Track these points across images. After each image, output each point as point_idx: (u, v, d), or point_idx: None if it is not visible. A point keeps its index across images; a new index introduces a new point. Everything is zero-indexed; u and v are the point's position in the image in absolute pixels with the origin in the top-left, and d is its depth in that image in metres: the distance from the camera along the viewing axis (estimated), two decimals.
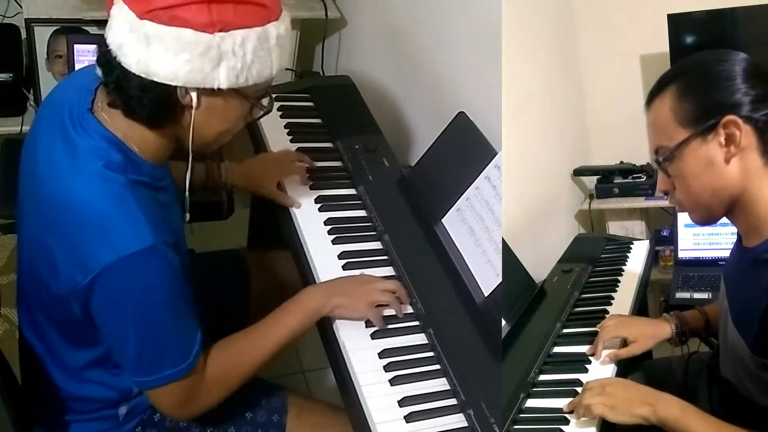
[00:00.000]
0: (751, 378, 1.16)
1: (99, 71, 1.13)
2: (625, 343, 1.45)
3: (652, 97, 1.17)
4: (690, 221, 1.22)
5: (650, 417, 1.15)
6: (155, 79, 1.07)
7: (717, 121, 1.09)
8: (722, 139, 1.09)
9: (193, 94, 1.10)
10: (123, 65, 1.07)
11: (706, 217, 1.18)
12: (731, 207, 1.14)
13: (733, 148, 1.09)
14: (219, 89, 1.09)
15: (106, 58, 1.09)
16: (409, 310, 1.44)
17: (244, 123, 1.23)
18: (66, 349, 1.25)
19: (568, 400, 1.31)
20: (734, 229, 1.22)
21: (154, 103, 1.10)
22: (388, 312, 1.39)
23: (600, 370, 1.43)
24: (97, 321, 1.14)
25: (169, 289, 1.13)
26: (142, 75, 1.07)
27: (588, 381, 1.28)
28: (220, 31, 1.05)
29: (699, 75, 1.13)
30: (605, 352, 1.45)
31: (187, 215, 1.30)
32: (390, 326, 1.39)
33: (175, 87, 1.08)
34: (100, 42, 1.11)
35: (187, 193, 1.31)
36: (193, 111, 1.12)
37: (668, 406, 1.15)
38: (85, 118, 1.14)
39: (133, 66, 1.06)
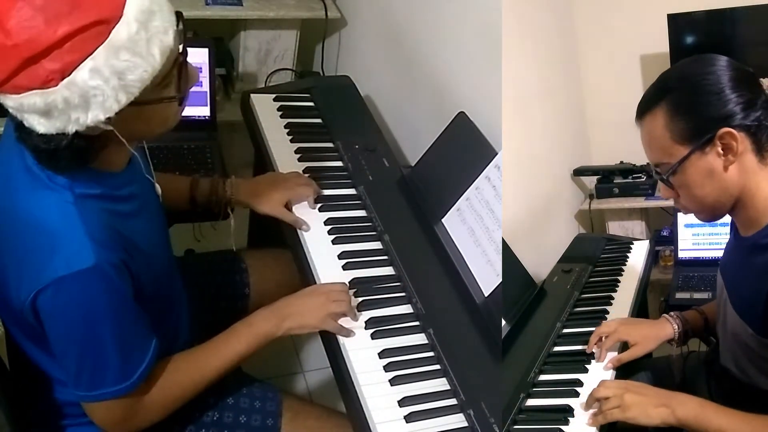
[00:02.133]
0: (755, 362, 1.18)
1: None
2: (625, 345, 1.45)
3: (642, 113, 1.21)
4: (690, 221, 1.25)
5: (668, 418, 1.17)
6: (57, 133, 1.01)
7: (713, 135, 1.13)
8: (720, 149, 1.14)
9: (100, 125, 1.02)
10: (24, 127, 1.02)
11: (711, 217, 1.23)
12: (733, 206, 1.19)
13: (731, 156, 1.13)
14: (115, 113, 1.01)
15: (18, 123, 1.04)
16: (409, 310, 1.44)
17: (181, 104, 1.15)
18: (45, 358, 1.24)
19: (568, 400, 1.31)
20: None
21: (68, 152, 1.04)
22: (344, 319, 1.37)
23: (600, 370, 1.43)
24: (46, 334, 1.13)
25: (111, 311, 1.11)
26: (42, 133, 1.01)
27: (604, 387, 1.26)
28: (63, 78, 0.96)
29: (686, 91, 1.16)
30: (611, 358, 1.45)
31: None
32: (390, 326, 1.39)
33: (70, 134, 1.02)
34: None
35: (160, 196, 1.29)
36: (115, 131, 1.05)
37: (686, 406, 1.17)
38: None
39: (28, 127, 1.01)
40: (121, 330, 1.14)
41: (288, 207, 1.60)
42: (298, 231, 1.56)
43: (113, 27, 0.97)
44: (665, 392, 1.22)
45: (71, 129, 1.01)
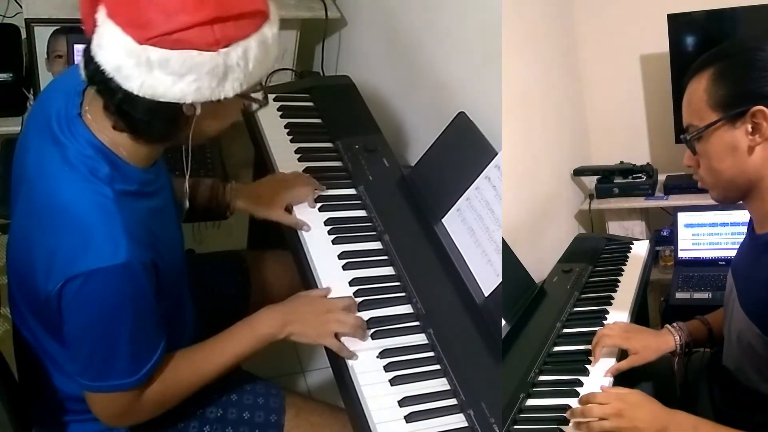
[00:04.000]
0: (758, 365, 1.16)
1: (90, 87, 1.11)
2: (625, 353, 1.43)
3: (692, 75, 1.19)
4: (690, 221, 1.23)
5: None
6: (162, 100, 1.05)
7: (746, 109, 1.11)
8: (749, 127, 1.12)
9: (199, 106, 1.09)
10: (124, 88, 1.05)
11: (723, 197, 1.22)
12: (748, 192, 1.17)
13: (758, 137, 1.12)
14: (225, 98, 1.09)
15: (101, 79, 1.06)
16: (409, 310, 1.44)
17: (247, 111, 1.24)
18: (58, 349, 1.25)
19: (569, 400, 1.31)
20: (734, 230, 1.24)
21: (163, 124, 1.10)
22: (347, 339, 1.35)
23: (600, 370, 1.43)
24: (63, 321, 1.15)
25: (134, 308, 1.13)
26: (148, 97, 1.05)
27: (595, 394, 1.24)
28: (224, 47, 1.04)
29: (737, 61, 1.15)
30: (603, 363, 1.43)
31: (187, 203, 1.31)
32: (390, 326, 1.39)
33: (182, 104, 1.07)
34: (88, 58, 1.07)
35: (187, 194, 1.31)
36: (195, 119, 1.11)
37: (681, 428, 1.14)
38: (74, 123, 1.14)
39: (135, 89, 1.04)
40: (138, 328, 1.15)
41: (288, 209, 1.59)
42: (299, 231, 1.56)
43: (266, 22, 1.09)
44: (662, 412, 1.17)
45: (190, 98, 1.05)
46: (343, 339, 1.35)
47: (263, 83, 1.19)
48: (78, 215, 1.09)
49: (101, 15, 1.05)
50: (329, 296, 1.42)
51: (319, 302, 1.39)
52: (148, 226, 1.16)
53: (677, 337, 1.42)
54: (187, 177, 1.27)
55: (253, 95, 1.17)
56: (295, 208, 1.60)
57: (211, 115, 1.12)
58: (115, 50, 1.03)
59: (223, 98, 1.08)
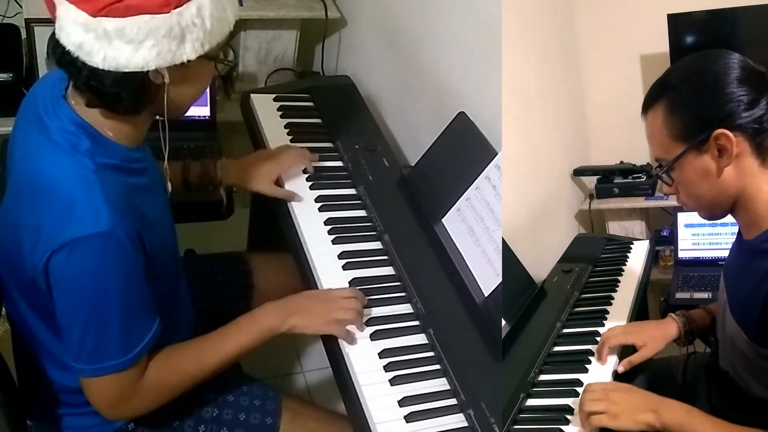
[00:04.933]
0: (750, 369, 1.17)
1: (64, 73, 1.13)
2: (633, 348, 1.44)
3: (646, 108, 1.20)
4: (690, 221, 1.24)
5: (654, 423, 1.15)
6: (126, 71, 1.07)
7: (708, 135, 1.11)
8: (715, 151, 1.12)
9: (165, 73, 1.11)
10: (89, 64, 1.07)
11: (710, 216, 1.22)
12: (732, 206, 1.17)
13: (726, 159, 1.11)
14: (188, 61, 1.10)
15: (67, 60, 1.09)
16: (409, 310, 1.44)
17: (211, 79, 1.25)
18: (51, 338, 1.25)
19: (568, 400, 1.31)
20: (734, 230, 1.24)
21: (132, 94, 1.11)
22: (350, 327, 1.36)
23: (600, 370, 1.43)
24: (54, 301, 1.15)
25: (121, 278, 1.13)
26: (112, 70, 1.07)
27: (589, 384, 1.28)
28: (176, 7, 1.05)
29: (686, 88, 1.14)
30: (611, 359, 1.44)
31: (169, 186, 1.34)
32: (390, 326, 1.39)
33: (147, 72, 1.09)
34: (54, 43, 1.10)
35: (167, 174, 1.33)
36: (166, 87, 1.13)
37: (672, 412, 1.15)
38: (58, 104, 1.16)
39: (99, 63, 1.06)
40: (129, 300, 1.15)
41: (279, 183, 1.60)
42: (298, 231, 1.56)
43: None
44: (653, 396, 1.19)
45: (153, 64, 1.07)
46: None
47: (228, 41, 1.19)
48: (60, 188, 1.10)
49: None
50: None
51: (320, 293, 1.40)
52: (132, 201, 1.16)
53: (680, 324, 1.44)
54: (166, 154, 1.28)
55: (220, 56, 1.19)
56: (294, 206, 1.60)
57: (180, 82, 1.14)
58: (74, 28, 1.05)
59: (186, 60, 1.09)
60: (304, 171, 1.66)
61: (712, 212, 1.21)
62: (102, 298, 1.13)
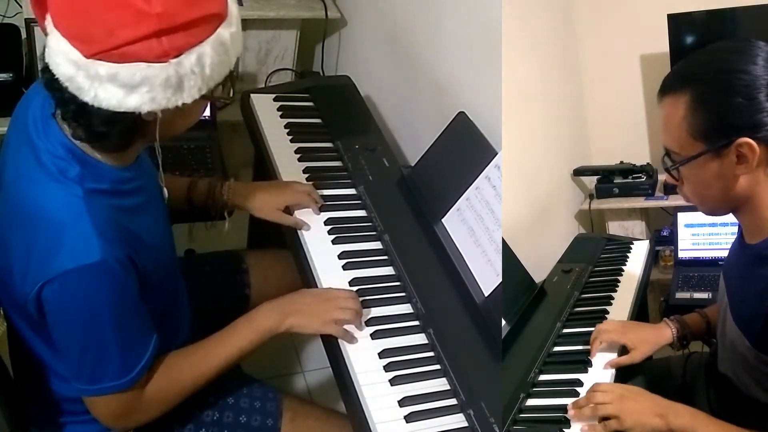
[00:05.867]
0: (752, 374, 1.16)
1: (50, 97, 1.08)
2: (625, 349, 1.44)
3: (665, 92, 1.12)
4: (690, 221, 1.22)
5: (662, 427, 1.15)
6: (118, 111, 1.02)
7: (730, 141, 1.05)
8: (734, 157, 1.06)
9: (158, 111, 1.06)
10: (78, 99, 1.02)
11: (711, 213, 1.20)
12: (737, 207, 1.15)
13: (745, 167, 1.07)
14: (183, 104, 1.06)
15: (56, 87, 1.03)
16: (409, 309, 1.44)
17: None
18: (47, 352, 1.25)
19: (569, 400, 1.31)
20: (734, 230, 1.23)
21: (122, 134, 1.08)
22: (348, 326, 1.36)
23: (601, 370, 1.43)
24: (49, 327, 1.14)
25: (115, 306, 1.12)
26: (103, 108, 1.02)
27: (597, 384, 1.27)
28: (175, 57, 1.00)
29: (716, 86, 1.06)
30: (601, 355, 1.44)
31: (166, 192, 1.30)
32: (390, 326, 1.39)
33: (140, 113, 1.05)
34: (45, 69, 1.05)
35: (164, 188, 1.30)
36: (158, 120, 1.08)
37: (680, 416, 1.15)
38: (48, 124, 1.12)
39: (89, 101, 1.01)
40: (124, 325, 1.15)
41: (289, 211, 1.59)
42: (298, 231, 1.56)
43: (222, 23, 1.05)
44: (662, 401, 1.19)
45: (146, 108, 1.02)
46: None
47: (229, 78, 1.14)
48: (49, 216, 1.08)
49: (49, 23, 1.03)
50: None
51: (318, 293, 1.40)
52: (123, 223, 1.14)
53: (674, 330, 1.44)
54: (161, 172, 1.26)
55: (221, 92, 1.14)
56: (297, 211, 1.60)
57: (173, 117, 1.09)
58: (66, 61, 1.00)
59: (181, 104, 1.05)
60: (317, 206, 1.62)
61: (715, 211, 1.18)
62: (97, 326, 1.12)
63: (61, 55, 1.00)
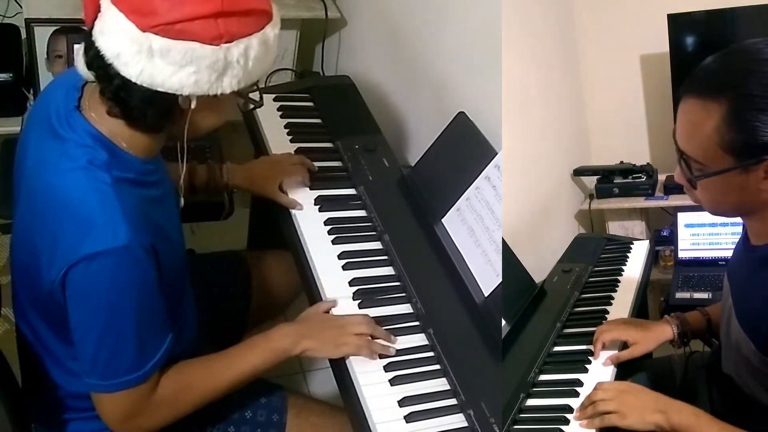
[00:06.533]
0: (756, 376, 1.16)
1: (88, 75, 1.12)
2: (625, 345, 1.45)
3: (693, 93, 1.05)
4: (690, 221, 1.21)
5: (663, 424, 1.15)
6: (159, 89, 1.06)
7: (761, 160, 1.01)
8: (762, 173, 1.02)
9: (194, 99, 1.10)
10: (122, 75, 1.06)
11: (719, 215, 1.18)
12: (747, 213, 1.13)
13: None
14: (221, 94, 1.10)
15: (99, 65, 1.07)
16: (409, 310, 1.44)
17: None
18: (59, 346, 1.25)
19: (569, 400, 1.31)
20: (734, 230, 1.23)
21: (157, 114, 1.11)
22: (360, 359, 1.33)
23: (600, 370, 1.43)
24: (69, 314, 1.15)
25: (137, 294, 1.13)
26: (145, 86, 1.06)
27: (600, 382, 1.28)
28: (227, 42, 1.05)
29: (757, 98, 0.99)
30: (604, 354, 1.45)
31: (182, 201, 1.33)
32: (390, 326, 1.39)
33: (178, 96, 1.08)
34: (88, 44, 1.09)
35: (181, 191, 1.31)
36: (190, 113, 1.12)
37: (681, 413, 1.15)
38: (72, 116, 1.15)
39: (134, 77, 1.05)
40: (143, 315, 1.15)
41: (282, 189, 1.61)
42: (298, 231, 1.56)
43: (269, 22, 1.11)
44: (663, 398, 1.19)
45: (188, 90, 1.07)
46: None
47: (260, 84, 1.20)
48: (77, 202, 1.10)
49: (105, 1, 1.06)
50: (338, 312, 1.40)
51: (333, 319, 1.38)
52: (147, 213, 1.16)
53: (674, 327, 1.45)
54: (182, 174, 1.28)
55: (250, 95, 1.18)
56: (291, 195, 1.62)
57: (205, 110, 1.13)
58: (117, 36, 1.04)
59: (219, 93, 1.09)
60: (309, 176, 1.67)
61: (724, 215, 1.17)
62: (117, 313, 1.13)
63: (115, 30, 1.04)
